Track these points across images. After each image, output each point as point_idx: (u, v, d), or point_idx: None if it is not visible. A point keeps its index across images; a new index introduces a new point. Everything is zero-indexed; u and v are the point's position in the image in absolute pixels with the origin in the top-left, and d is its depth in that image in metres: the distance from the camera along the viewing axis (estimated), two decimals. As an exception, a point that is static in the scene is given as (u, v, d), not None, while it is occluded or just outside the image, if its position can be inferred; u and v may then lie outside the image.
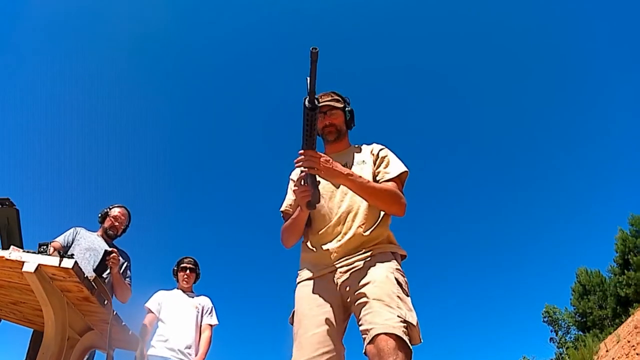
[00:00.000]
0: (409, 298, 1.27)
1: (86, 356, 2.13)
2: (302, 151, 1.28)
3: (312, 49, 1.07)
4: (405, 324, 1.14)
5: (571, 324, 17.02)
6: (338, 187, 1.49)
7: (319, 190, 1.35)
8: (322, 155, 1.30)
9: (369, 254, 1.36)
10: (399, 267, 1.36)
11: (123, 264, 2.65)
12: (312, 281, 1.41)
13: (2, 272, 1.72)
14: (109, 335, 1.93)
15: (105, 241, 2.65)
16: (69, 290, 1.76)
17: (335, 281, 1.36)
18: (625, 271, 14.69)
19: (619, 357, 8.71)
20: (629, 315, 12.06)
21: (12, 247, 1.65)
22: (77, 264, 1.63)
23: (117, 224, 2.67)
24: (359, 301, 1.24)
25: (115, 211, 2.70)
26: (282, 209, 1.61)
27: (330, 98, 1.60)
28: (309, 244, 1.49)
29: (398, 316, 1.14)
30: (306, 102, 1.18)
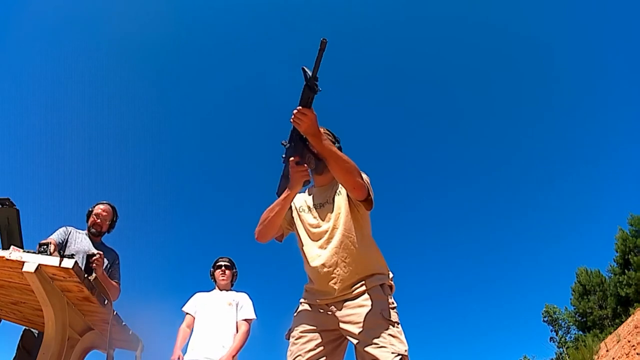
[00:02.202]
0: (399, 326, 1.41)
1: None
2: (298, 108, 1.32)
3: (322, 39, 1.19)
4: (400, 357, 1.31)
5: (571, 323, 17.03)
6: (329, 222, 1.55)
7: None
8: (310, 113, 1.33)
9: (362, 289, 1.46)
10: (389, 300, 1.47)
11: (110, 264, 2.64)
12: (308, 306, 1.55)
13: (2, 272, 1.72)
14: (109, 335, 1.93)
15: (92, 240, 2.66)
16: (69, 290, 1.76)
17: (329, 313, 1.48)
18: (626, 271, 14.70)
19: (619, 357, 8.72)
20: (629, 315, 12.06)
21: (12, 247, 1.66)
22: (77, 263, 1.63)
23: (98, 221, 2.68)
24: (357, 344, 1.37)
25: (97, 209, 2.71)
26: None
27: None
28: (307, 273, 1.58)
29: (392, 353, 1.31)
30: (307, 83, 1.26)
